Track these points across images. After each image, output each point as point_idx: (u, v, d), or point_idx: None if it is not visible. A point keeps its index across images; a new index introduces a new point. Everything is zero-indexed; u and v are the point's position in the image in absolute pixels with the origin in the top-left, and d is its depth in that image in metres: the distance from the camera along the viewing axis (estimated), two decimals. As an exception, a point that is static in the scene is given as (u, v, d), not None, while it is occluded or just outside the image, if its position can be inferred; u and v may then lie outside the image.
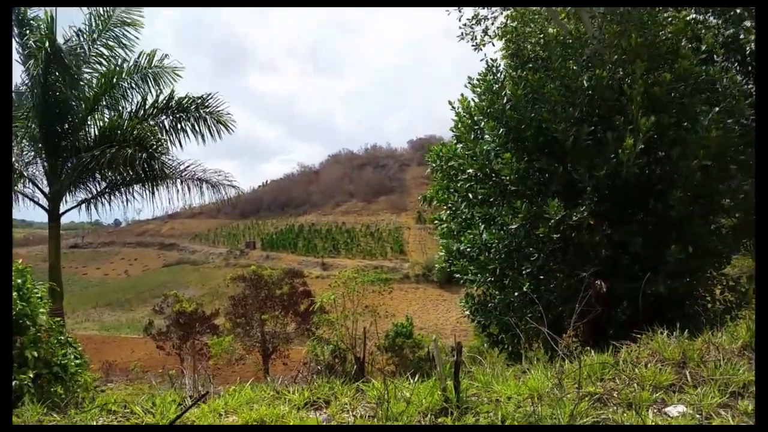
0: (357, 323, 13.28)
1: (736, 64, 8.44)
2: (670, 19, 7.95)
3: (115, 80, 12.50)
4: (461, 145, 8.42)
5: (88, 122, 12.67)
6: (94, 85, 12.69)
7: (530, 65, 8.19)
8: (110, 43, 12.69)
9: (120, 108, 12.98)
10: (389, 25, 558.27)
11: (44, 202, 12.38)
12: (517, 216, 7.01)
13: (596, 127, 7.13)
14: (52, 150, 12.24)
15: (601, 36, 7.77)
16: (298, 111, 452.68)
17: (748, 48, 7.86)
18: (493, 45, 10.79)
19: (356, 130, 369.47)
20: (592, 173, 6.75)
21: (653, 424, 2.88)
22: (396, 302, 45.20)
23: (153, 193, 13.05)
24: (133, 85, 12.83)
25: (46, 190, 12.39)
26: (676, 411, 3.04)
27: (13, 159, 12.01)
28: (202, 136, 13.00)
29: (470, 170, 7.86)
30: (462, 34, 11.17)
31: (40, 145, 12.32)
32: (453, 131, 8.71)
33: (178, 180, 13.05)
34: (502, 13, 10.70)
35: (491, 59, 8.64)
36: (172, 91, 12.81)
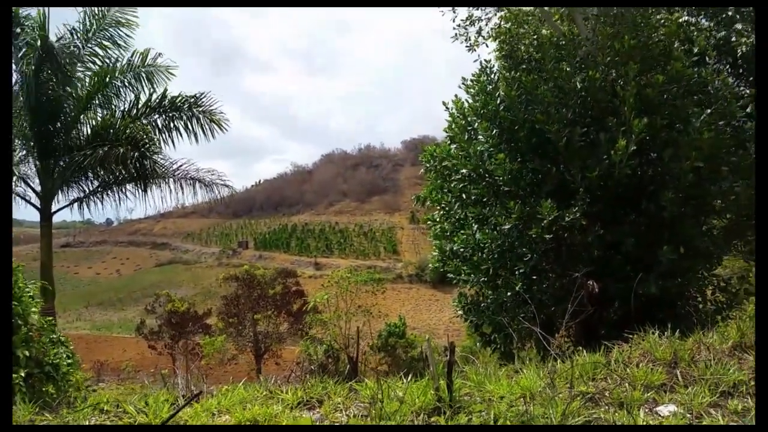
0: (350, 323, 13.29)
1: (727, 67, 8.49)
2: (662, 21, 8.00)
3: (108, 79, 12.43)
4: (455, 146, 8.45)
5: (81, 121, 12.60)
6: (87, 84, 12.61)
7: (524, 66, 8.21)
8: (104, 43, 12.62)
9: (113, 107, 12.91)
10: (384, 25, 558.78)
11: (36, 200, 12.31)
12: (510, 216, 7.03)
13: (589, 129, 7.17)
14: (44, 149, 12.16)
15: (595, 38, 7.81)
16: (292, 111, 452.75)
17: (739, 50, 7.91)
18: (487, 46, 10.78)
19: (350, 130, 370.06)
20: (585, 174, 6.79)
21: (645, 423, 2.90)
22: (389, 302, 45.25)
23: (145, 192, 12.97)
24: (127, 84, 12.77)
25: (38, 188, 12.31)
26: (667, 410, 3.07)
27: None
28: (195, 135, 12.97)
29: (464, 170, 7.88)
30: (456, 34, 11.17)
31: (32, 143, 12.23)
32: (447, 132, 8.74)
33: (171, 179, 13.01)
34: (495, 14, 10.71)
35: (485, 60, 8.68)
36: (165, 90, 12.78)
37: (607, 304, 6.85)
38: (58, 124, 12.28)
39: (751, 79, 8.40)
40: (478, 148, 7.80)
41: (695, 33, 8.22)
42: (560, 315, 6.20)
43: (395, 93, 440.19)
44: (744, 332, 4.13)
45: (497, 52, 9.55)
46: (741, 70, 8.62)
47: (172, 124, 12.92)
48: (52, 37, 11.60)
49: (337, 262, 73.13)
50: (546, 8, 9.55)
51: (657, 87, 6.87)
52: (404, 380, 3.80)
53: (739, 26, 8.15)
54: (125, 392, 5.39)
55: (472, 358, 4.98)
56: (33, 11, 11.46)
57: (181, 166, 13.09)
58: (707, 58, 7.45)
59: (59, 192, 12.66)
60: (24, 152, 12.45)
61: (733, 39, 8.09)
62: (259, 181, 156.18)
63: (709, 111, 6.83)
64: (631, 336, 4.44)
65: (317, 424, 3.26)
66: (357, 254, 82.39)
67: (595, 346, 4.33)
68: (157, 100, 12.74)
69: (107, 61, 12.70)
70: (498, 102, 7.80)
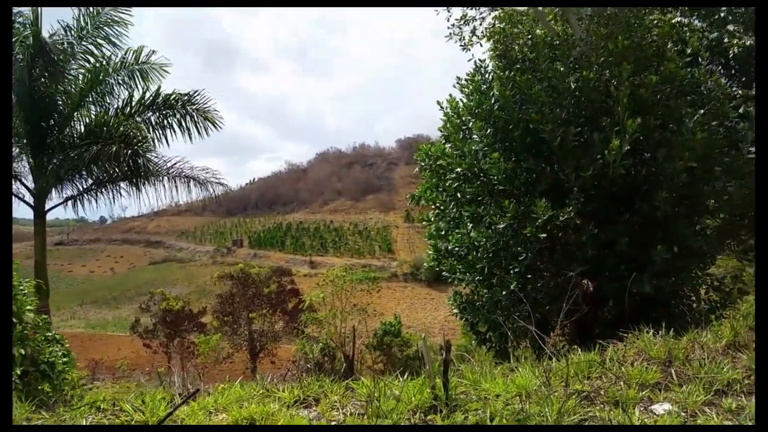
0: (345, 322, 13.31)
1: (720, 67, 8.55)
2: (656, 21, 8.04)
3: (101, 76, 12.37)
4: (449, 145, 8.46)
5: (75, 118, 12.53)
6: (80, 81, 12.54)
7: (518, 66, 8.24)
8: (99, 41, 12.52)
9: (107, 104, 12.84)
10: (379, 25, 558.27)
11: (29, 198, 12.22)
12: (505, 215, 7.05)
13: (583, 128, 7.20)
14: (37, 146, 12.09)
15: (588, 38, 7.84)
16: (286, 109, 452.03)
17: (731, 51, 7.97)
18: (481, 45, 10.84)
19: (345, 129, 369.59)
20: (579, 174, 6.81)
21: (640, 421, 2.92)
22: (384, 301, 45.32)
23: (139, 190, 12.93)
24: (120, 82, 12.72)
25: (31, 186, 12.24)
26: (662, 409, 3.10)
27: None
28: (189, 133, 12.91)
29: (458, 169, 7.89)
30: (450, 34, 11.21)
31: (25, 141, 12.15)
32: (441, 131, 8.76)
33: (165, 177, 12.94)
34: (490, 14, 10.76)
35: (479, 60, 8.69)
36: (159, 88, 12.72)
37: (601, 303, 6.87)
38: (52, 122, 12.22)
39: (744, 79, 8.46)
40: (473, 147, 7.82)
41: (688, 34, 8.27)
42: (555, 314, 6.21)
43: (390, 92, 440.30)
44: (738, 331, 4.17)
45: (491, 52, 9.58)
46: (733, 71, 8.68)
47: (165, 122, 12.86)
48: (45, 35, 11.54)
49: (332, 260, 73.07)
50: (540, 8, 9.58)
51: (650, 87, 6.89)
52: (400, 379, 3.82)
53: (731, 27, 8.22)
54: (121, 391, 5.37)
55: (467, 356, 5.01)
56: (26, 9, 11.39)
57: (175, 164, 13.04)
58: (700, 59, 7.49)
59: (53, 190, 12.59)
60: (17, 150, 12.37)
61: (726, 40, 8.15)
62: (254, 179, 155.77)
63: (702, 111, 6.87)
64: (625, 335, 4.47)
65: (314, 423, 3.27)
66: (352, 253, 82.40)
67: (589, 345, 4.36)
68: (151, 98, 12.68)
69: (101, 59, 12.63)
70: (492, 101, 7.82)
